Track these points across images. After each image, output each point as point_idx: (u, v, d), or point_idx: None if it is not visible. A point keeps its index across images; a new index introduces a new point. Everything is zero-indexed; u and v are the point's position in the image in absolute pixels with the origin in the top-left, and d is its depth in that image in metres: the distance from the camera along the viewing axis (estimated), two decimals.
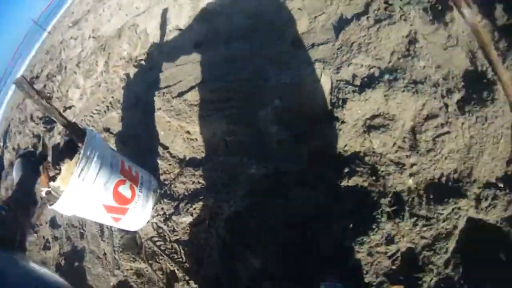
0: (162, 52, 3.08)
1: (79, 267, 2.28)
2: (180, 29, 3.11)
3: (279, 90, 2.00)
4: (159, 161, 2.22)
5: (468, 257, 1.33)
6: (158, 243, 1.92)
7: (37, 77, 5.73)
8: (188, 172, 2.02)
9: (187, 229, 1.85)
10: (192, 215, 1.86)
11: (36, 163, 1.50)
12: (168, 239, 1.90)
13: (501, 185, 1.44)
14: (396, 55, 1.85)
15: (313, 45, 2.12)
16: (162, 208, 1.98)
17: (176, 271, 1.78)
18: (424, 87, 1.69)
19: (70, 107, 3.75)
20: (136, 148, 2.47)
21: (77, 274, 2.24)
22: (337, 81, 1.85)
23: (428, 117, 1.63)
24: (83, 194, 1.54)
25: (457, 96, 1.65)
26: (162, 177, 2.15)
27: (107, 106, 3.11)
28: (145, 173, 2.00)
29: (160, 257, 1.87)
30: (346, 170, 1.59)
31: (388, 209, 1.46)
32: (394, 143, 1.62)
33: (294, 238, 1.53)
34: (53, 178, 1.50)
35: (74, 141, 1.58)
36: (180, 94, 2.34)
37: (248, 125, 1.98)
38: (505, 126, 1.54)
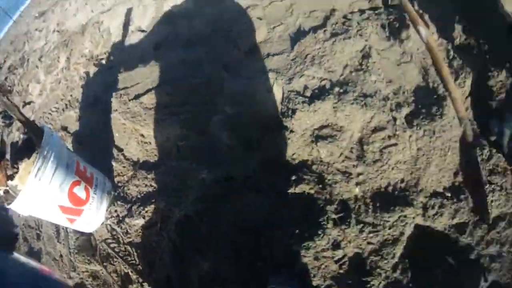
0: (123, 52, 3.05)
1: None
2: (142, 30, 3.09)
3: (232, 97, 2.06)
4: (113, 163, 2.23)
5: (416, 262, 1.38)
6: (112, 245, 1.94)
7: (0, 68, 5.48)
8: (141, 175, 2.05)
9: (140, 232, 1.89)
10: (144, 217, 1.90)
11: None
12: (121, 241, 1.94)
13: (449, 194, 1.51)
14: (349, 68, 1.90)
15: (268, 55, 2.17)
16: (116, 210, 2.01)
17: (130, 273, 1.81)
18: (373, 101, 1.74)
19: (29, 103, 3.63)
20: (92, 149, 2.45)
21: None
22: (288, 91, 1.90)
23: (376, 129, 1.69)
24: (40, 194, 1.55)
25: (406, 110, 1.71)
26: (116, 179, 2.16)
27: (66, 104, 3.05)
28: (100, 174, 2.02)
29: (115, 259, 1.90)
30: (294, 177, 1.64)
31: (334, 216, 1.51)
32: (341, 153, 1.67)
33: (247, 243, 1.55)
34: (11, 177, 1.50)
35: (33, 139, 1.58)
36: (137, 97, 2.35)
37: (202, 131, 2.02)
38: (453, 139, 1.61)
